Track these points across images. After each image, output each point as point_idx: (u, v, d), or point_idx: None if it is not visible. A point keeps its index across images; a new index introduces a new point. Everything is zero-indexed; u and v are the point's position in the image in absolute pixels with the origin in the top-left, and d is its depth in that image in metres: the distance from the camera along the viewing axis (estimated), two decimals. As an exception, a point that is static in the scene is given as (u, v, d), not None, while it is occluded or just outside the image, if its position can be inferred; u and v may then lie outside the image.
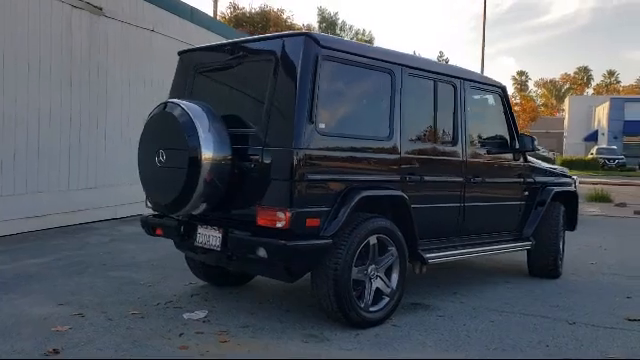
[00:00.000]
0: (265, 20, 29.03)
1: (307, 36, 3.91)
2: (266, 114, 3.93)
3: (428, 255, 4.58)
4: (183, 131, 3.90)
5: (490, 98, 5.62)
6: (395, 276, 4.28)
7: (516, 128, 5.69)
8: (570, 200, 6.33)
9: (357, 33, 54.37)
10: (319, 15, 55.40)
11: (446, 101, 4.96)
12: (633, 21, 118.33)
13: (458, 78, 5.09)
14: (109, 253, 6.62)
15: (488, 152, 5.41)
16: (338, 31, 54.50)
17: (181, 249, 4.85)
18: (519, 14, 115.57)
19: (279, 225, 3.70)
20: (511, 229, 5.72)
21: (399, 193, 4.31)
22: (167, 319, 4.17)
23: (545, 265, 5.95)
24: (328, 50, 3.98)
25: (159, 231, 4.62)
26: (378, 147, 4.32)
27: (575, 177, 6.74)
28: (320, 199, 3.87)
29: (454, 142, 5.00)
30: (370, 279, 4.14)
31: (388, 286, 4.25)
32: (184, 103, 4.06)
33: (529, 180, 5.84)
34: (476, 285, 5.63)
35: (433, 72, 4.87)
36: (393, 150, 4.40)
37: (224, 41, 5.08)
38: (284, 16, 31.95)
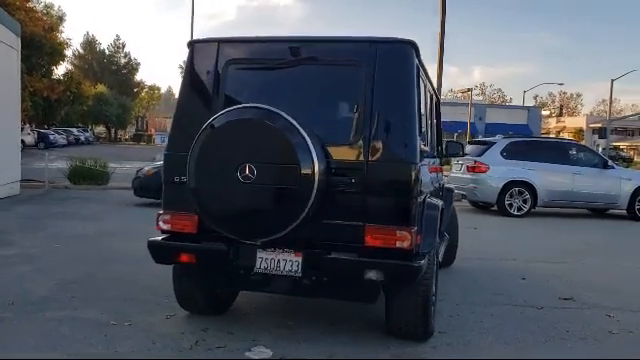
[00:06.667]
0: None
1: (409, 44, 3.69)
2: (366, 125, 3.59)
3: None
4: (291, 142, 3.32)
5: (434, 105, 5.98)
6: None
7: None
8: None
9: (47, 7, 48.80)
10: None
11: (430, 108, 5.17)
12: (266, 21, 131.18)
13: (432, 85, 5.32)
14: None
15: (440, 159, 5.80)
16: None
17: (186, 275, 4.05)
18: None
19: (401, 245, 3.47)
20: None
21: (442, 203, 4.39)
22: (235, 363, 3.53)
23: (449, 255, 6.64)
24: (418, 60, 3.84)
25: (187, 258, 3.77)
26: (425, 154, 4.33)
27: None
28: (419, 214, 3.73)
29: (433, 148, 5.24)
30: (429, 291, 4.15)
31: (433, 295, 4.31)
32: (278, 109, 3.41)
33: (443, 182, 6.43)
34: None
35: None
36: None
37: (276, 35, 4.29)
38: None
